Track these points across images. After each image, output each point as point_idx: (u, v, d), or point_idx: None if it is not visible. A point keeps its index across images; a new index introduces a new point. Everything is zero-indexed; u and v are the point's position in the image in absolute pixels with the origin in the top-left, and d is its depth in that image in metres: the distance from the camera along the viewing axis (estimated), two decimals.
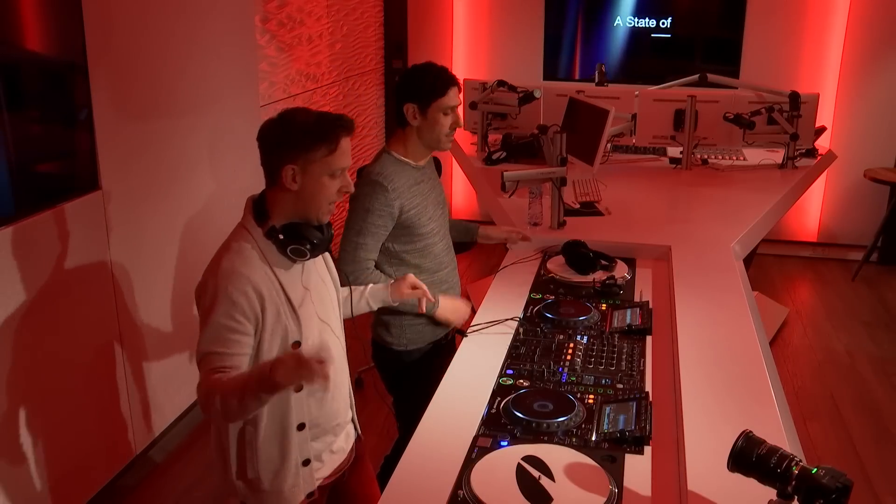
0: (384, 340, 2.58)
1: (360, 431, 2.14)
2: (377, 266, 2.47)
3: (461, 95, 2.52)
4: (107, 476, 3.10)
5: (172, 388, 3.49)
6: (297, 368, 1.56)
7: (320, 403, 1.92)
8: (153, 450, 3.40)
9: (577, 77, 6.04)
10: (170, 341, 3.45)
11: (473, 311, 2.54)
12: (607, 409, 1.89)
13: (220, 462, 1.93)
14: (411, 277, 2.28)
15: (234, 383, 1.67)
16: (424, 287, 2.27)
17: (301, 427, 1.88)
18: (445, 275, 2.62)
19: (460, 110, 2.53)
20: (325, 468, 1.98)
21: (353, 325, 2.23)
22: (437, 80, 2.41)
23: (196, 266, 3.59)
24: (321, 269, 1.99)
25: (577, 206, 3.47)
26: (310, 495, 1.94)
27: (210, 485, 3.30)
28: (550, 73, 6.05)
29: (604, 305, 2.52)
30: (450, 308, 2.49)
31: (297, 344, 1.83)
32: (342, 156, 1.81)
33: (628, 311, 2.43)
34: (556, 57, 6.06)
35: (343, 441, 2.04)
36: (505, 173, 2.96)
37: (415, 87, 2.41)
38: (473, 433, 1.81)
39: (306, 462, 1.91)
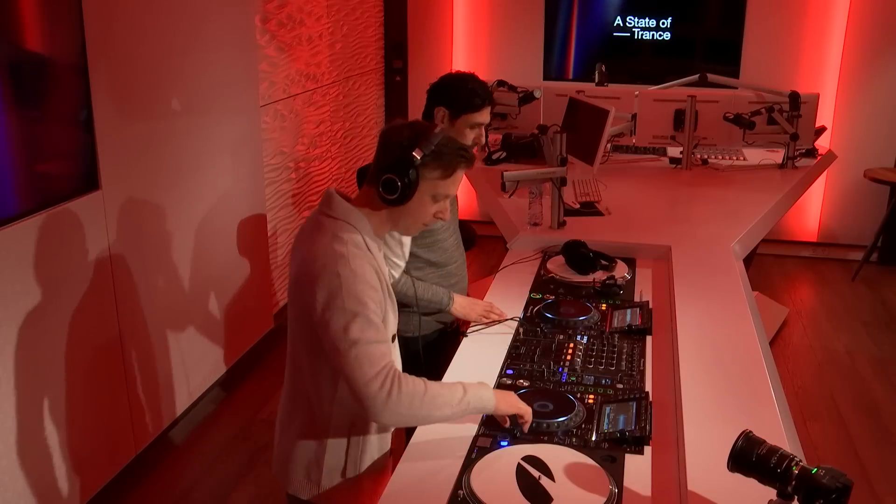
0: None
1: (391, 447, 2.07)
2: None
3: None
4: (108, 475, 3.10)
5: (172, 388, 3.49)
6: (517, 407, 1.79)
7: None
8: (154, 449, 3.40)
9: (570, 77, 6.03)
10: (170, 341, 3.45)
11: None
12: (607, 409, 1.89)
13: (310, 470, 1.89)
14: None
15: (447, 394, 1.72)
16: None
17: None
18: (454, 268, 2.65)
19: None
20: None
21: None
22: (474, 94, 2.45)
23: (196, 266, 3.63)
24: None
25: (577, 206, 3.47)
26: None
27: (210, 484, 3.31)
28: (550, 73, 6.05)
29: (604, 305, 2.52)
30: (466, 305, 2.49)
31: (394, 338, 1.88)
32: (452, 184, 1.85)
33: (628, 311, 2.43)
34: (556, 57, 6.06)
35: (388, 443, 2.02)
36: (505, 173, 2.96)
37: (453, 93, 2.45)
38: (473, 433, 1.82)
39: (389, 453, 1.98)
